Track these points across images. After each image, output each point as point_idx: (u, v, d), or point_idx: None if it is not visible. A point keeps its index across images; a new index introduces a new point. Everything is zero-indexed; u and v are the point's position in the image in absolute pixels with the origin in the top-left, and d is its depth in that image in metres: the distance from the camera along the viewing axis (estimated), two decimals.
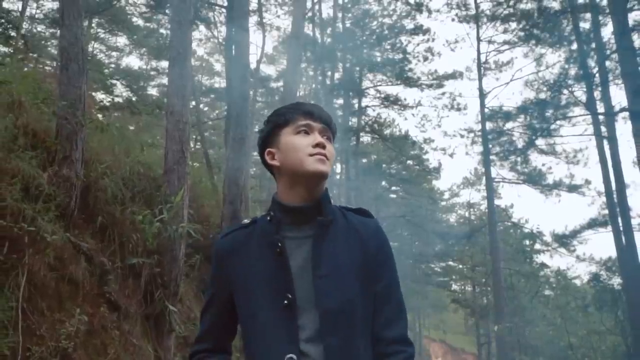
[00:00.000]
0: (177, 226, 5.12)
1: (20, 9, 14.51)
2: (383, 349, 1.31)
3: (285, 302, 1.26)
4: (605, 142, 11.08)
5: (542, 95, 12.72)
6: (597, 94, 11.48)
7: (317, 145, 1.33)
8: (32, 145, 4.29)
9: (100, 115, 5.96)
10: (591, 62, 11.30)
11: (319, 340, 1.25)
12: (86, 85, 4.48)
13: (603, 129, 11.16)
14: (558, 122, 12.31)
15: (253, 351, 1.31)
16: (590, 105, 10.95)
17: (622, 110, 9.64)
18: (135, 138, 6.76)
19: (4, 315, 3.06)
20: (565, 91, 11.48)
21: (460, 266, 33.25)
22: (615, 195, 10.93)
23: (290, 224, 1.35)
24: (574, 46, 13.09)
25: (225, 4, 13.94)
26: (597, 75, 10.58)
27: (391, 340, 1.32)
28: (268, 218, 1.37)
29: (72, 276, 3.83)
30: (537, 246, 21.27)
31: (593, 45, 11.38)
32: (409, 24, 21.35)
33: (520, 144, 14.76)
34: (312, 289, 1.28)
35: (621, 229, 11.05)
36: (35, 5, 16.75)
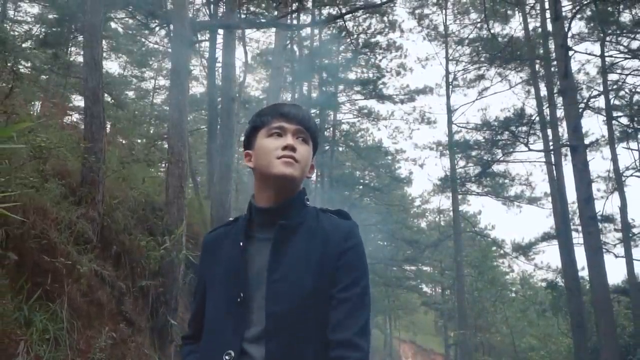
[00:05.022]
0: (177, 252, 6.04)
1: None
2: (330, 352, 1.26)
3: (238, 300, 1.30)
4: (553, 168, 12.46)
5: (495, 127, 14.05)
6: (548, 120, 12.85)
7: (286, 147, 1.34)
8: (61, 185, 5.17)
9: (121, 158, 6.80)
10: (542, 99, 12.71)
11: (262, 342, 1.26)
12: (105, 137, 5.37)
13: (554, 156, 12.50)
14: (511, 150, 13.73)
15: (203, 341, 1.39)
16: (544, 134, 12.36)
17: (563, 145, 11.02)
18: (136, 167, 7.60)
19: (56, 333, 3.96)
20: (513, 127, 12.82)
21: (430, 269, 34.64)
22: (560, 214, 12.29)
23: (261, 225, 1.37)
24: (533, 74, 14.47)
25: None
26: (547, 111, 11.98)
27: (335, 343, 1.26)
28: (244, 217, 1.42)
29: (99, 300, 4.74)
30: (499, 254, 22.67)
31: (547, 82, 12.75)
32: (383, 41, 22.50)
33: (478, 169, 16.09)
34: (266, 290, 1.29)
35: (569, 243, 12.36)
36: (13, 7, 17.29)
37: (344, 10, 10.45)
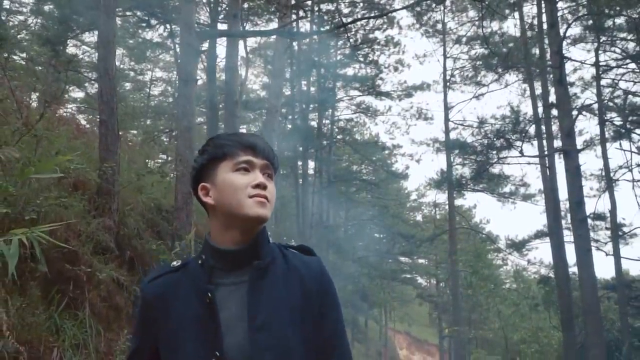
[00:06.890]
0: (187, 256, 6.33)
1: None
2: None
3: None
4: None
5: (492, 128, 14.42)
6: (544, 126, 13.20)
7: (258, 185, 1.22)
8: (83, 198, 5.45)
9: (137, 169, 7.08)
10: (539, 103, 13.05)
11: None
12: (120, 148, 5.64)
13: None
14: (506, 155, 14.18)
15: None
16: (539, 139, 12.75)
17: (556, 150, 11.40)
18: (145, 173, 7.86)
19: (82, 338, 4.26)
20: (508, 129, 13.19)
21: (426, 262, 35.18)
22: (552, 213, 12.72)
23: (224, 269, 1.24)
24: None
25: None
26: (541, 111, 12.33)
27: None
28: (200, 262, 1.26)
29: (117, 304, 5.04)
30: (494, 247, 23.11)
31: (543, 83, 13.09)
32: (381, 37, 22.68)
33: (474, 167, 16.46)
34: (247, 341, 1.16)
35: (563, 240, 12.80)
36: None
37: (344, 11, 10.68)
